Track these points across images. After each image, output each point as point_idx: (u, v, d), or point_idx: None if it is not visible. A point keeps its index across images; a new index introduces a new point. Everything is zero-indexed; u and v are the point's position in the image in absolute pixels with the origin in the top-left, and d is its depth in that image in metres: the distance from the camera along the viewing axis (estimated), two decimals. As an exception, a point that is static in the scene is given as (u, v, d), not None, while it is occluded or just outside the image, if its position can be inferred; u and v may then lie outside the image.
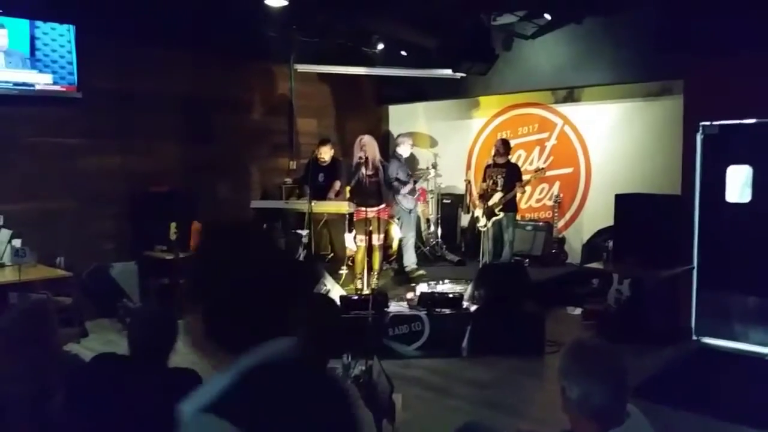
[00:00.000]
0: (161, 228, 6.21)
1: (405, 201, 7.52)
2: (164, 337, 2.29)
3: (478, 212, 7.44)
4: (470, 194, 8.58)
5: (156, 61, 6.94)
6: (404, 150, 7.77)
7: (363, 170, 6.42)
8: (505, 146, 7.43)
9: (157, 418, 2.12)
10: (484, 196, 7.40)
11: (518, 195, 7.47)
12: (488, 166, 7.53)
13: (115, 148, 6.71)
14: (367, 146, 6.42)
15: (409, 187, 7.54)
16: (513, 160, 7.73)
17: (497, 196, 7.24)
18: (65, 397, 2.27)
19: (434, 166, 8.72)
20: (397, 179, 7.36)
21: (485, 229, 7.39)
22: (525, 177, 7.48)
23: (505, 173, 7.28)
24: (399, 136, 8.04)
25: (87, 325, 5.59)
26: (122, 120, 6.72)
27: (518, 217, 7.68)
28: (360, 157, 6.40)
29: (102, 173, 6.59)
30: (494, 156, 7.48)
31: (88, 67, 6.27)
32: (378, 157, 6.49)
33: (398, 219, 7.53)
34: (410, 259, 7.56)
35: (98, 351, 4.12)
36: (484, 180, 7.47)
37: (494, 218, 7.31)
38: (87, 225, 6.44)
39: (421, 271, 7.45)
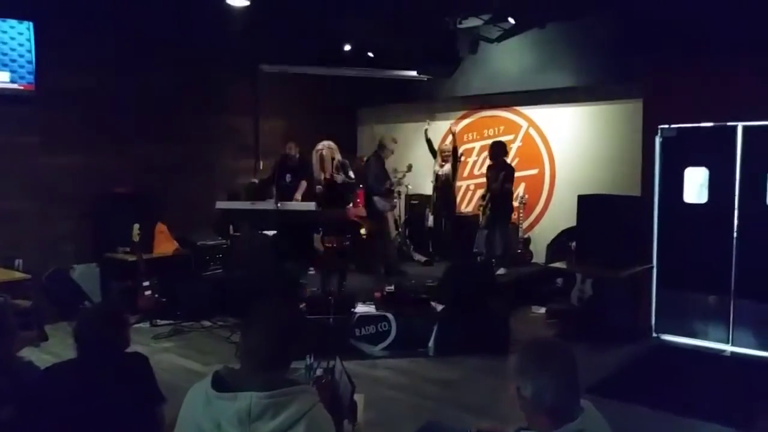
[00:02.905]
0: (124, 229, 6.12)
1: (380, 203, 7.48)
2: (110, 328, 2.37)
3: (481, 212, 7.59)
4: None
5: (118, 59, 6.83)
6: (386, 153, 7.71)
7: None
8: (495, 149, 7.45)
9: (117, 403, 2.15)
10: (484, 197, 7.55)
11: (513, 194, 7.55)
12: (488, 169, 7.61)
13: (76, 148, 6.58)
14: (327, 160, 6.28)
15: (384, 188, 7.52)
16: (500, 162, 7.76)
17: (488, 198, 7.40)
18: (20, 407, 2.23)
19: (409, 168, 8.57)
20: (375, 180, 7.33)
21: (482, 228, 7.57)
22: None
23: (497, 176, 7.35)
24: (383, 137, 7.74)
25: (47, 329, 5.46)
26: (84, 119, 6.60)
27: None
28: (325, 177, 6.27)
29: (63, 173, 6.45)
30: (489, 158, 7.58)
31: (47, 65, 6.14)
32: (338, 159, 6.38)
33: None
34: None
35: (59, 355, 4.03)
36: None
37: (486, 218, 7.47)
38: (47, 226, 6.31)
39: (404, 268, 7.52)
